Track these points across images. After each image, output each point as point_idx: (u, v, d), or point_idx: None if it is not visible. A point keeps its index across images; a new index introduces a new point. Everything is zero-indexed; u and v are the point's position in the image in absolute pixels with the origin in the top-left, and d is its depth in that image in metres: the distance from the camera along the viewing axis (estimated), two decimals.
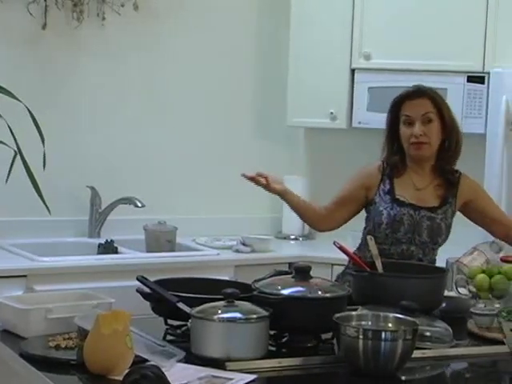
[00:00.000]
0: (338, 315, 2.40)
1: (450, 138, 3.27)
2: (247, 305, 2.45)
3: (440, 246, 3.28)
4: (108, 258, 3.96)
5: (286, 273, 2.76)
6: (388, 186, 3.28)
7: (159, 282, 2.70)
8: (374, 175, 3.32)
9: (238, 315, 2.38)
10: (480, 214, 3.33)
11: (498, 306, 2.82)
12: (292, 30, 4.64)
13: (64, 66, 4.32)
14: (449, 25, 4.40)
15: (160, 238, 4.25)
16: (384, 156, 3.36)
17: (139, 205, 4.23)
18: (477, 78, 4.36)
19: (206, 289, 2.65)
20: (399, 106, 3.28)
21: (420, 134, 3.20)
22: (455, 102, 4.35)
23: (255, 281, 2.67)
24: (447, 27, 4.40)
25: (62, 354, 2.35)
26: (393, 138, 3.32)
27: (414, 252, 3.22)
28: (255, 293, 2.54)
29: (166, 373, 2.05)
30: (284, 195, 3.30)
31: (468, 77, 4.37)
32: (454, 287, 3.02)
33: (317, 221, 3.39)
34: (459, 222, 4.64)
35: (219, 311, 2.39)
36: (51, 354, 2.36)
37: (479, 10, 4.34)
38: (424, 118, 3.21)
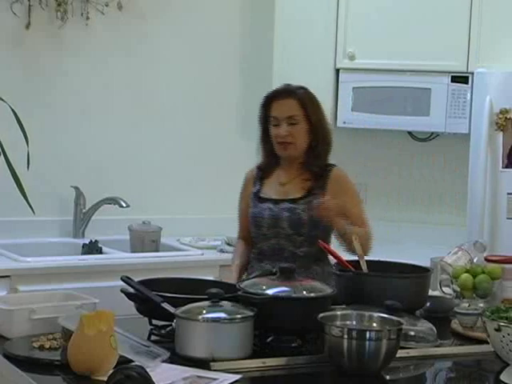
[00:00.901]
0: (322, 315, 2.40)
1: (318, 138, 3.27)
2: (232, 305, 2.45)
3: (313, 237, 3.17)
4: (92, 259, 3.95)
5: (271, 273, 2.76)
6: (257, 187, 3.34)
7: (144, 282, 2.70)
8: (248, 184, 3.40)
9: (222, 315, 2.38)
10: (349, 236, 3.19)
11: (481, 305, 2.83)
12: (276, 30, 4.64)
13: (48, 65, 4.30)
14: (433, 25, 4.41)
15: (144, 238, 4.24)
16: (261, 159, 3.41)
17: (124, 205, 4.22)
18: (461, 78, 4.37)
19: (190, 289, 2.65)
20: (268, 107, 3.30)
21: (285, 134, 3.22)
22: (439, 102, 4.39)
23: (240, 281, 2.67)
24: (431, 27, 4.41)
25: (46, 355, 2.34)
26: (265, 138, 3.35)
27: (285, 245, 3.21)
28: (240, 293, 2.54)
29: (150, 373, 2.05)
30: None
31: (452, 77, 4.38)
32: (439, 287, 3.03)
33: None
34: (443, 221, 4.68)
35: (204, 311, 2.39)
36: (35, 354, 2.35)
37: (463, 10, 4.35)
38: (289, 120, 3.22)
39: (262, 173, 3.37)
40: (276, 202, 3.25)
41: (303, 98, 3.25)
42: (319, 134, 3.27)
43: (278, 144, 3.26)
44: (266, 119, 3.32)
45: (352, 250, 3.04)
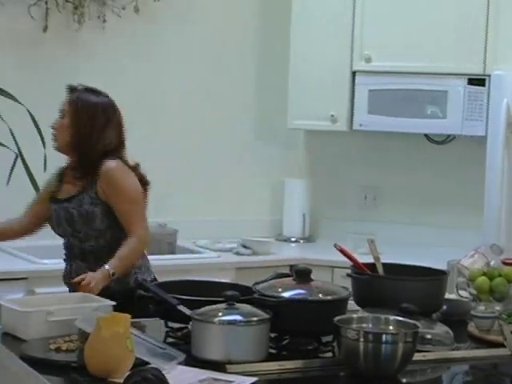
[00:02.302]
0: (338, 318, 2.40)
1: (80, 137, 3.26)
2: (248, 307, 2.45)
3: (98, 231, 3.20)
4: None
5: (287, 275, 2.76)
6: (57, 189, 3.33)
7: (160, 285, 2.71)
8: (52, 188, 3.38)
9: (238, 318, 2.38)
10: (112, 207, 3.23)
11: (498, 308, 2.81)
12: (293, 33, 4.65)
13: (65, 68, 4.32)
14: (450, 27, 4.40)
15: (161, 241, 4.25)
16: None
17: None
18: (477, 81, 4.35)
19: (206, 291, 2.65)
20: None
21: (53, 125, 3.27)
22: (456, 105, 4.37)
23: (256, 283, 2.67)
24: (448, 30, 4.40)
25: (62, 357, 2.35)
26: None
27: (73, 242, 3.27)
28: (256, 295, 2.54)
29: (166, 375, 2.05)
30: None
31: (469, 79, 4.37)
32: (455, 290, 3.02)
33: None
34: (460, 224, 4.67)
35: (220, 314, 2.39)
36: (52, 356, 2.36)
37: (480, 12, 4.34)
38: (61, 114, 3.28)
39: (59, 174, 3.38)
40: (58, 202, 3.29)
41: (73, 95, 3.28)
42: (80, 133, 3.24)
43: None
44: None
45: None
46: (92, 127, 3.24)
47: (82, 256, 3.23)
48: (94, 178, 3.22)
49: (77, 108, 3.26)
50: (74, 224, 3.22)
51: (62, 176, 3.35)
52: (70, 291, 3.29)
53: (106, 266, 3.07)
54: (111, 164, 3.22)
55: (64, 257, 3.36)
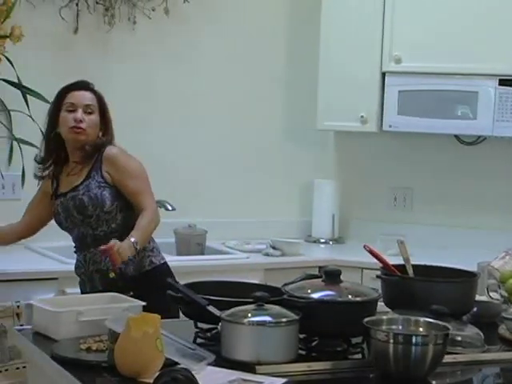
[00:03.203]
0: (368, 319, 2.39)
1: (105, 132, 3.37)
2: (277, 308, 2.44)
3: (109, 213, 3.28)
4: None
5: (316, 276, 2.75)
6: (55, 186, 3.40)
7: (189, 285, 2.71)
8: (47, 188, 3.42)
9: (267, 319, 2.38)
10: (121, 188, 3.31)
11: None
12: (322, 33, 4.64)
13: (95, 69, 4.34)
14: (480, 27, 4.38)
15: (190, 242, 4.26)
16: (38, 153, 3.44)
17: (170, 208, 4.24)
18: (508, 81, 4.33)
19: (235, 292, 2.65)
20: (62, 96, 3.36)
21: (81, 118, 3.30)
22: (486, 106, 4.35)
23: (285, 284, 2.66)
24: (478, 30, 4.38)
25: (93, 357, 2.36)
26: (53, 130, 3.37)
27: (84, 231, 3.32)
28: (285, 296, 2.54)
29: (196, 376, 2.06)
30: None
31: (500, 80, 4.34)
32: (486, 291, 3.00)
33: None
34: (490, 226, 4.64)
35: (249, 314, 2.39)
36: (82, 356, 2.37)
37: (510, 11, 4.31)
38: (86, 108, 3.32)
39: (55, 170, 3.42)
40: (65, 194, 3.35)
41: (99, 93, 3.39)
42: (108, 129, 3.38)
43: (70, 129, 3.31)
44: (58, 109, 3.36)
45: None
46: (111, 120, 3.41)
47: (95, 243, 3.27)
48: (97, 165, 3.31)
49: (104, 103, 3.39)
50: (85, 210, 3.28)
51: (57, 173, 3.40)
52: (81, 285, 3.37)
53: (131, 239, 3.14)
54: (113, 149, 3.35)
55: (74, 249, 3.42)
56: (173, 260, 4.04)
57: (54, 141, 3.39)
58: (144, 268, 3.32)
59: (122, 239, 3.16)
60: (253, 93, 4.76)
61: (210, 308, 2.51)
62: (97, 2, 4.29)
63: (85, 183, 3.31)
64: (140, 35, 4.43)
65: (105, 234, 3.29)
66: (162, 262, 3.41)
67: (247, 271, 4.02)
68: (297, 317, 2.41)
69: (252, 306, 2.43)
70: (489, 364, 2.56)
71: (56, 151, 3.40)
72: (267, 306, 2.43)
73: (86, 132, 3.31)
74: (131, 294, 2.79)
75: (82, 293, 3.35)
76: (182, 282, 2.72)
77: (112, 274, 3.11)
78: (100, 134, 3.36)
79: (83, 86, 3.39)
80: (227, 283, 2.89)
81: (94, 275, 3.32)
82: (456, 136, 4.72)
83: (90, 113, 3.33)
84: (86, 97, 3.35)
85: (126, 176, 3.31)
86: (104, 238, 3.25)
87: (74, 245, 3.42)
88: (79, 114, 3.31)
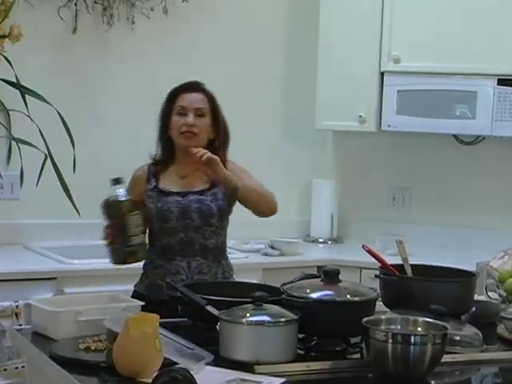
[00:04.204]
0: (366, 319, 2.39)
1: (218, 134, 3.29)
2: (276, 308, 2.45)
3: (222, 228, 3.25)
4: None
5: (315, 276, 2.75)
6: (154, 183, 3.28)
7: (188, 285, 2.71)
8: (138, 182, 3.30)
9: (266, 318, 2.38)
10: (245, 192, 3.24)
11: None
12: (321, 34, 4.64)
13: (94, 69, 4.35)
14: (478, 27, 4.38)
15: None
16: (155, 154, 3.36)
17: None
18: (507, 81, 4.33)
19: (234, 292, 2.65)
20: (175, 98, 3.29)
21: (192, 123, 3.21)
22: (485, 105, 4.35)
23: (284, 284, 2.67)
24: (476, 30, 4.38)
25: (91, 357, 2.36)
26: (165, 131, 3.30)
27: (194, 238, 3.19)
28: (284, 296, 2.54)
29: (194, 375, 2.06)
30: None
31: (498, 79, 4.34)
32: (484, 291, 3.00)
33: None
34: (489, 225, 4.64)
35: (248, 314, 2.39)
36: (81, 356, 2.37)
37: (510, 12, 4.32)
38: (197, 111, 3.24)
39: (157, 168, 3.31)
40: (182, 194, 3.23)
41: (210, 94, 3.30)
42: (220, 131, 3.30)
43: (181, 134, 3.23)
44: (169, 111, 3.29)
45: (260, 211, 3.27)
46: (225, 121, 3.34)
47: (202, 253, 3.17)
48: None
49: (215, 104, 3.31)
50: (210, 218, 3.19)
51: (158, 170, 3.29)
52: (151, 290, 3.22)
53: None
54: (234, 163, 3.35)
55: (161, 250, 3.22)
56: None
57: (168, 143, 3.30)
58: None
59: (221, 255, 3.15)
60: (252, 93, 4.76)
61: (209, 308, 2.51)
62: (95, 2, 4.29)
63: (212, 190, 3.22)
64: (139, 35, 4.43)
65: (212, 247, 3.21)
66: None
67: (246, 271, 4.01)
68: (295, 316, 2.41)
69: (251, 306, 2.43)
70: (487, 364, 2.57)
71: (171, 152, 3.31)
72: (266, 305, 2.43)
73: (197, 137, 3.22)
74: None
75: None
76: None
77: None
78: (212, 135, 3.27)
79: (194, 87, 3.30)
80: (226, 283, 2.89)
81: None
82: (455, 136, 4.72)
83: (201, 115, 3.24)
84: (196, 99, 3.26)
85: (247, 176, 3.30)
86: (211, 251, 3.19)
87: (160, 244, 3.22)
88: (190, 118, 3.21)
